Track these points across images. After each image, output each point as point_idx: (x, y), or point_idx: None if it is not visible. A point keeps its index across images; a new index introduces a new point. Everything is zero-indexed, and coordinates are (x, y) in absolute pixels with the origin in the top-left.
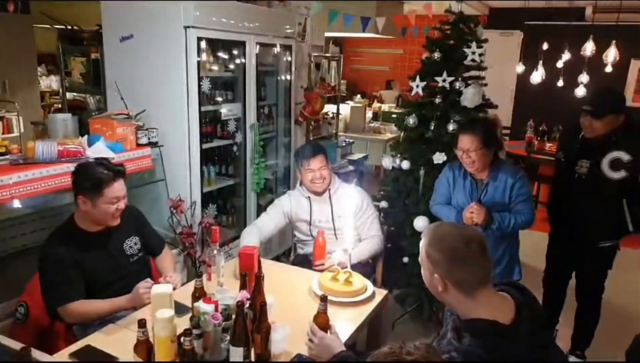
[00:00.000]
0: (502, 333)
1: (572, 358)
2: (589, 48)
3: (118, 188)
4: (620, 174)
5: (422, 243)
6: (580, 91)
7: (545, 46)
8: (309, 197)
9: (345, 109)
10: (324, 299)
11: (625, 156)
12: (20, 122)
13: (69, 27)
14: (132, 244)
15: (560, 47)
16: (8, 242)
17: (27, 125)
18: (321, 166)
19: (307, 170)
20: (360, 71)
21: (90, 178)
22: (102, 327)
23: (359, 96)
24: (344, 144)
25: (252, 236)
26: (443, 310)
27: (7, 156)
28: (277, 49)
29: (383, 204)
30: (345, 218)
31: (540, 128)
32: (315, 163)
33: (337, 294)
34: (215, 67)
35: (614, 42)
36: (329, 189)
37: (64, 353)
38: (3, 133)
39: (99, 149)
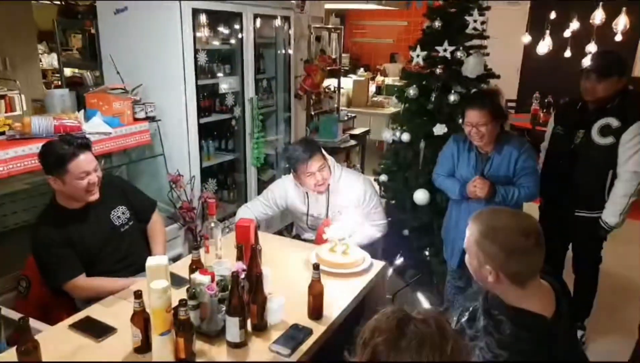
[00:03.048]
0: (548, 329)
1: None
2: (598, 16)
3: (84, 161)
4: (607, 141)
5: (473, 231)
6: (587, 61)
7: (552, 15)
8: (306, 193)
9: (348, 83)
10: (316, 267)
11: (614, 123)
12: (23, 100)
13: (64, 1)
14: (119, 214)
15: (568, 17)
16: (10, 217)
17: (30, 103)
18: (321, 165)
19: (307, 175)
20: (363, 44)
21: (52, 155)
22: (102, 298)
23: (362, 69)
24: (345, 119)
25: (245, 211)
26: (444, 283)
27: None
28: (275, 21)
29: (383, 177)
30: (344, 211)
31: (546, 100)
32: (314, 165)
33: (334, 266)
34: (211, 40)
35: (624, 9)
36: (328, 185)
37: (64, 325)
38: (6, 112)
39: (95, 124)
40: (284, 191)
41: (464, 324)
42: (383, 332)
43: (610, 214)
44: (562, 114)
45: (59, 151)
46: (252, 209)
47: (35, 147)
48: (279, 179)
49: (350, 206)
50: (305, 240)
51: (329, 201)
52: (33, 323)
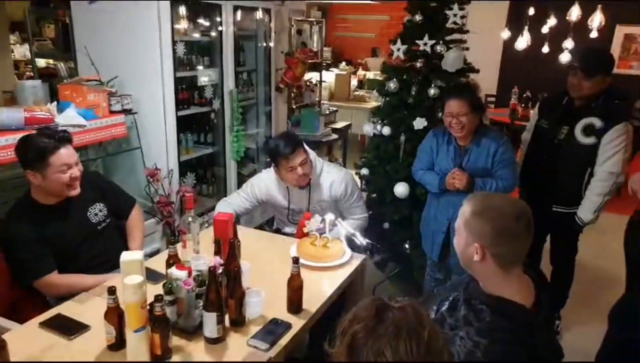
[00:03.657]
0: (527, 318)
1: None
2: (574, 13)
3: (65, 154)
4: (590, 140)
5: (465, 210)
6: (565, 57)
7: (531, 11)
8: (287, 187)
9: (329, 76)
10: (296, 261)
11: (598, 123)
12: None
13: None
14: (96, 211)
15: (546, 13)
16: None
17: (1, 95)
18: (302, 160)
19: (289, 170)
20: (345, 38)
21: (32, 149)
22: (74, 295)
23: (343, 63)
24: (327, 113)
25: (224, 206)
26: (424, 276)
27: None
28: (256, 13)
29: (364, 171)
30: (325, 206)
31: (525, 95)
32: (296, 159)
33: (314, 259)
34: (191, 31)
35: (599, 6)
36: (309, 180)
37: (33, 323)
38: None
39: (69, 116)
40: (265, 185)
41: (444, 313)
42: (362, 320)
43: (585, 211)
44: (548, 108)
45: (39, 145)
46: (231, 204)
47: (4, 139)
48: (259, 173)
49: (331, 200)
50: (286, 234)
51: (310, 196)
52: (1, 321)
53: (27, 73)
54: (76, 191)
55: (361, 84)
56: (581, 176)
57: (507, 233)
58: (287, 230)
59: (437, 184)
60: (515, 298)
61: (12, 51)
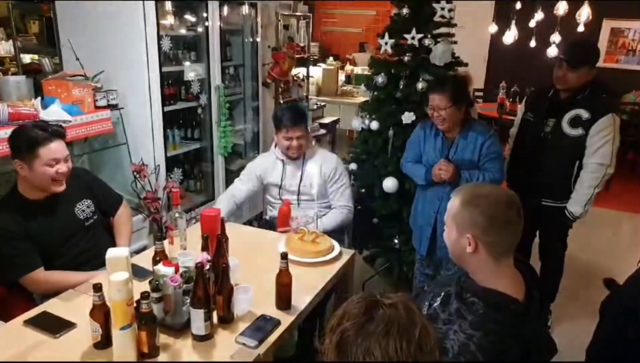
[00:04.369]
0: (519, 310)
1: None
2: (561, 7)
3: (56, 148)
4: (577, 132)
5: (454, 202)
6: (552, 51)
7: (518, 5)
8: (283, 160)
9: (317, 72)
10: (284, 257)
11: (585, 114)
12: None
13: None
14: (84, 207)
15: (533, 7)
16: None
17: None
18: (299, 136)
19: (284, 137)
20: (333, 33)
21: (24, 139)
22: (60, 293)
23: (331, 58)
24: (315, 108)
25: (223, 202)
26: (413, 271)
27: None
28: (242, 8)
29: (352, 166)
30: (314, 185)
31: (512, 90)
32: (294, 132)
33: (303, 254)
34: (176, 26)
35: (586, 1)
36: (304, 154)
37: (18, 321)
38: None
39: (54, 112)
40: (262, 162)
41: (437, 308)
42: (351, 317)
43: (575, 204)
44: (533, 101)
45: (32, 135)
46: (230, 193)
47: None
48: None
49: (320, 180)
50: (270, 219)
51: (303, 170)
52: None
53: (12, 70)
54: (61, 188)
55: (349, 79)
56: (569, 169)
57: (499, 221)
58: (271, 214)
59: (424, 175)
60: (507, 291)
61: None
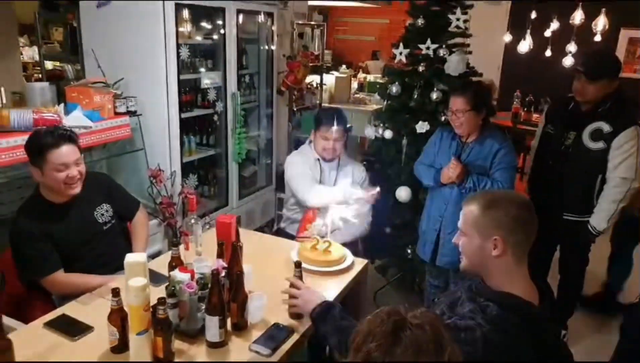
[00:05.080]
0: (534, 315)
1: None
2: (577, 17)
3: (65, 153)
4: (598, 145)
5: (470, 209)
6: (568, 61)
7: (533, 15)
8: (318, 159)
9: (330, 79)
10: (298, 265)
11: (606, 127)
12: (2, 92)
13: None
14: (103, 212)
15: (548, 16)
16: None
17: (9, 96)
18: (337, 138)
19: (321, 136)
20: (346, 41)
21: (34, 144)
22: (79, 296)
23: (344, 66)
24: None
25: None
26: (424, 281)
27: None
28: (258, 17)
29: None
30: (347, 188)
31: (527, 99)
32: (332, 133)
33: (315, 263)
34: (194, 35)
35: (603, 10)
36: (339, 158)
37: (38, 323)
38: None
39: (76, 118)
40: (302, 159)
41: (445, 310)
42: (377, 337)
43: (598, 219)
44: (554, 113)
45: (40, 140)
46: (317, 186)
47: (14, 141)
48: (289, 157)
49: (352, 182)
50: (288, 234)
51: (338, 172)
52: (6, 320)
53: (35, 75)
54: (75, 191)
55: (361, 87)
56: (591, 182)
57: (522, 220)
58: (297, 216)
59: (433, 176)
60: (523, 295)
61: (21, 53)
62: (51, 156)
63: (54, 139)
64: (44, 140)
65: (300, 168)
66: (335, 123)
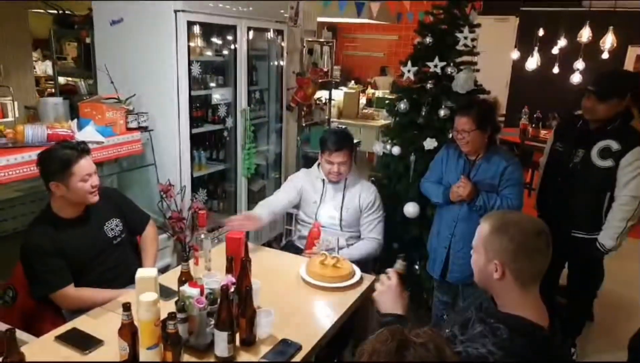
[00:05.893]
0: (544, 338)
1: None
2: (585, 34)
3: (86, 164)
4: (607, 163)
5: (484, 228)
6: (576, 78)
7: (541, 32)
8: (324, 180)
9: (339, 95)
10: (405, 259)
11: (614, 145)
12: (15, 107)
13: (61, 11)
14: (113, 226)
15: (556, 34)
16: None
17: (23, 110)
18: (341, 162)
19: (326, 160)
20: (354, 57)
21: (56, 160)
22: (89, 309)
23: (352, 82)
24: None
25: (260, 207)
26: (432, 298)
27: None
28: (269, 34)
29: None
30: (354, 211)
31: (535, 115)
32: (336, 157)
33: (324, 279)
34: (205, 51)
35: (611, 28)
36: (346, 179)
37: (49, 337)
38: None
39: (88, 133)
40: (302, 177)
41: (455, 331)
42: (381, 355)
43: (607, 237)
44: (562, 131)
45: (63, 156)
46: (267, 202)
47: (28, 155)
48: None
49: (358, 208)
50: (298, 239)
51: (344, 195)
52: (18, 334)
53: (48, 90)
54: (96, 198)
55: (370, 102)
56: (600, 200)
57: (528, 249)
58: (304, 233)
59: (442, 194)
60: (532, 318)
61: (34, 68)
62: (77, 169)
63: (77, 152)
64: (66, 156)
65: (295, 180)
66: (339, 147)
